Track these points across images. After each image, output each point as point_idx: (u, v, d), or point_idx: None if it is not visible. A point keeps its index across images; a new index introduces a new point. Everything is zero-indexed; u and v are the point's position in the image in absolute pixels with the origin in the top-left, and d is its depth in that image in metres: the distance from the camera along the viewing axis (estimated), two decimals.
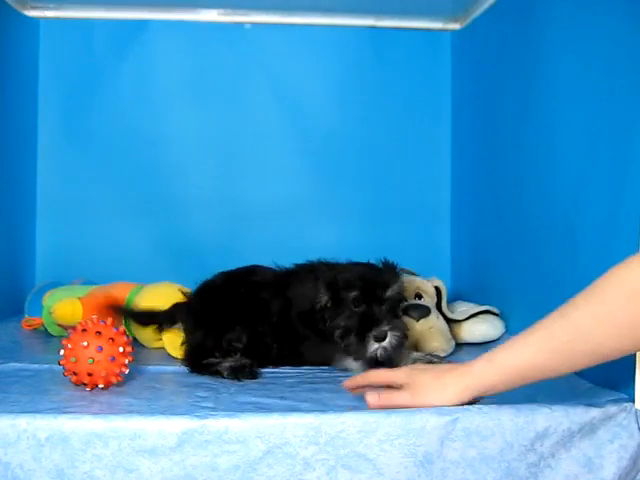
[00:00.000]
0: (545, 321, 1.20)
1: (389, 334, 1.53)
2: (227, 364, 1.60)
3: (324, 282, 1.60)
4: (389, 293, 1.58)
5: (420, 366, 1.35)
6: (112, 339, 1.43)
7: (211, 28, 2.51)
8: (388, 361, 1.58)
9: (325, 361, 1.68)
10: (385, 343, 1.53)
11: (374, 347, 1.53)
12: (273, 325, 1.68)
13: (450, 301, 2.07)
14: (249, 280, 1.75)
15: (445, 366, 1.27)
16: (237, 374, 1.57)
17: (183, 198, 2.51)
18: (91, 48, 2.49)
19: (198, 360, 1.64)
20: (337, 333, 1.57)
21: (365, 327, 1.53)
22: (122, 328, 1.49)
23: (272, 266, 1.76)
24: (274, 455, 1.22)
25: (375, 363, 1.54)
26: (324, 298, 1.59)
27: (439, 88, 2.58)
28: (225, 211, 2.53)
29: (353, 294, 1.56)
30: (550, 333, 1.17)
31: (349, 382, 1.36)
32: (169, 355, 1.81)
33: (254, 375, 1.59)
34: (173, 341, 1.81)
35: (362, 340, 1.53)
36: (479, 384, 1.19)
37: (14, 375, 1.55)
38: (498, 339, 1.96)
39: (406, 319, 1.84)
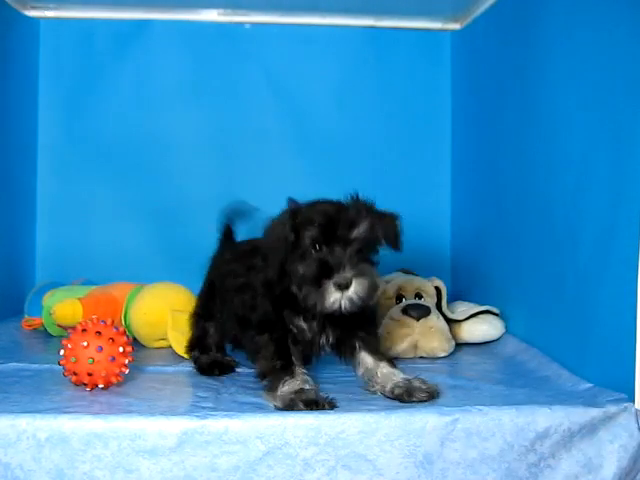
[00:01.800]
0: None
1: (354, 281, 1.30)
2: (204, 360, 1.66)
3: (289, 219, 1.39)
4: (356, 233, 1.34)
5: None
6: (112, 339, 1.43)
7: (211, 28, 2.51)
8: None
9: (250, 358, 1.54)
10: (350, 292, 1.29)
11: (334, 297, 1.29)
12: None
13: (450, 301, 2.07)
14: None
15: None
16: (212, 370, 1.63)
17: (183, 198, 2.51)
18: (91, 48, 2.49)
19: (189, 351, 1.73)
20: (294, 282, 1.35)
21: (324, 273, 1.30)
22: (122, 328, 1.50)
23: None
24: (274, 456, 1.22)
25: (338, 321, 1.37)
26: (290, 235, 1.37)
27: (439, 88, 2.58)
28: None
29: (311, 233, 1.34)
30: None
31: None
32: (174, 354, 1.81)
33: (230, 369, 1.63)
34: (179, 340, 1.81)
35: (320, 289, 1.29)
36: None
37: (14, 375, 1.55)
38: (498, 339, 1.97)
39: (406, 319, 1.85)
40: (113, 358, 1.42)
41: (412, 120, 2.58)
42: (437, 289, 1.99)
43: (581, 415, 1.28)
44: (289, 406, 1.31)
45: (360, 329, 1.47)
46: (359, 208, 1.39)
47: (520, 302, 1.94)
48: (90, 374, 1.40)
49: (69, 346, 1.42)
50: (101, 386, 1.42)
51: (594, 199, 1.50)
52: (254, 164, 2.53)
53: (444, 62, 2.58)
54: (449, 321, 1.94)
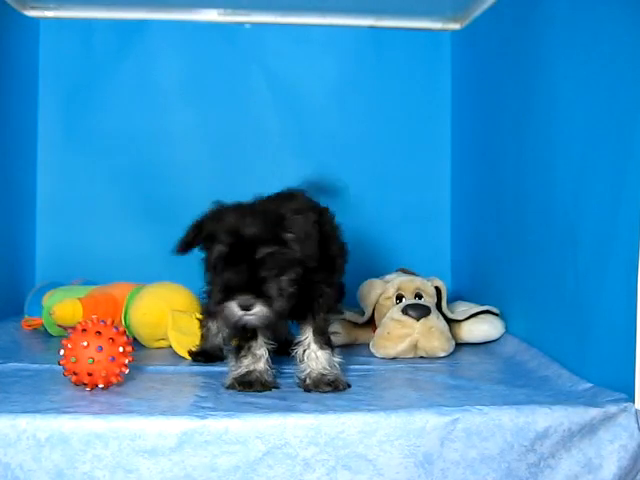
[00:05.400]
0: None
1: (257, 303, 1.34)
2: (196, 348, 1.80)
3: (194, 232, 1.46)
4: (261, 253, 1.35)
5: None
6: (112, 339, 1.43)
7: (211, 28, 2.51)
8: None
9: None
10: (254, 312, 1.35)
11: (239, 315, 1.35)
12: None
13: (450, 301, 2.07)
14: None
15: None
16: (197, 358, 1.77)
17: (183, 198, 2.50)
18: (91, 48, 2.49)
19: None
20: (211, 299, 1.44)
21: (228, 295, 1.35)
22: (122, 328, 1.50)
23: None
24: (274, 456, 1.22)
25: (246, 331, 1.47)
26: (182, 242, 1.46)
27: (439, 88, 2.58)
28: None
29: (216, 251, 1.38)
30: None
31: None
32: (174, 354, 1.81)
33: (219, 359, 1.73)
34: (179, 340, 1.81)
35: (226, 308, 1.36)
36: None
37: (14, 375, 1.55)
38: (498, 339, 1.97)
39: (406, 319, 1.85)
40: (113, 358, 1.42)
41: (412, 120, 2.58)
42: (437, 289, 1.99)
43: (581, 415, 1.28)
44: (230, 387, 1.47)
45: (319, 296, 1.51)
46: (270, 222, 1.38)
47: (520, 302, 1.94)
48: (90, 374, 1.40)
49: (69, 346, 1.42)
50: (101, 386, 1.42)
51: (594, 199, 1.50)
52: (254, 164, 2.53)
53: (444, 62, 2.58)
54: (449, 321, 1.94)
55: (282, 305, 1.37)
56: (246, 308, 1.34)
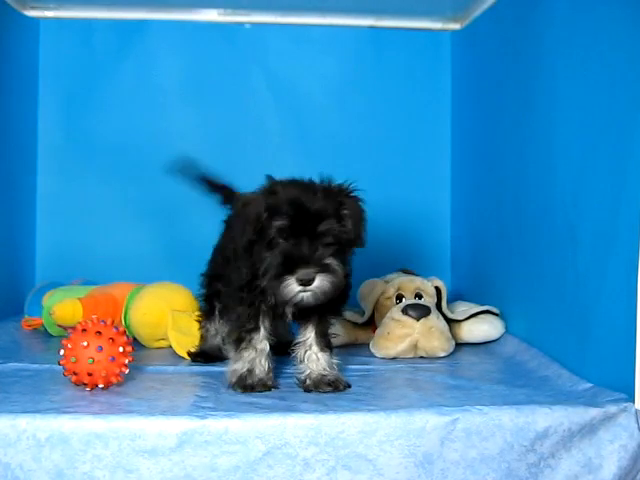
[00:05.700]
0: None
1: (318, 278, 1.32)
2: (195, 349, 1.79)
3: (254, 210, 1.39)
4: (324, 226, 1.34)
5: None
6: (112, 339, 1.43)
7: (211, 28, 2.51)
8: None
9: None
10: (313, 287, 1.33)
11: (296, 291, 1.33)
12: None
13: (450, 301, 2.07)
14: None
15: None
16: (196, 359, 1.76)
17: (183, 198, 2.50)
18: (91, 48, 2.49)
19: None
20: (260, 269, 1.37)
21: (288, 268, 1.33)
22: (122, 328, 1.50)
23: None
24: (274, 456, 1.22)
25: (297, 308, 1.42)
26: (249, 229, 1.38)
27: (439, 88, 2.59)
28: (225, 211, 2.53)
29: (278, 224, 1.35)
30: None
31: None
32: (174, 354, 1.81)
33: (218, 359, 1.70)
34: (179, 340, 1.81)
35: (283, 283, 1.33)
36: None
37: (14, 375, 1.55)
38: (498, 339, 1.97)
39: (406, 319, 1.85)
40: (113, 358, 1.42)
41: (412, 120, 2.58)
42: (437, 289, 1.99)
43: (581, 415, 1.28)
44: (231, 388, 1.46)
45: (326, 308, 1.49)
46: (331, 197, 1.39)
47: (520, 302, 1.94)
48: (90, 374, 1.40)
49: (69, 346, 1.42)
50: (101, 386, 1.42)
51: (594, 199, 1.50)
52: (254, 164, 2.52)
53: (444, 62, 2.58)
54: (449, 321, 1.94)
55: (342, 281, 1.35)
56: (306, 283, 1.32)
